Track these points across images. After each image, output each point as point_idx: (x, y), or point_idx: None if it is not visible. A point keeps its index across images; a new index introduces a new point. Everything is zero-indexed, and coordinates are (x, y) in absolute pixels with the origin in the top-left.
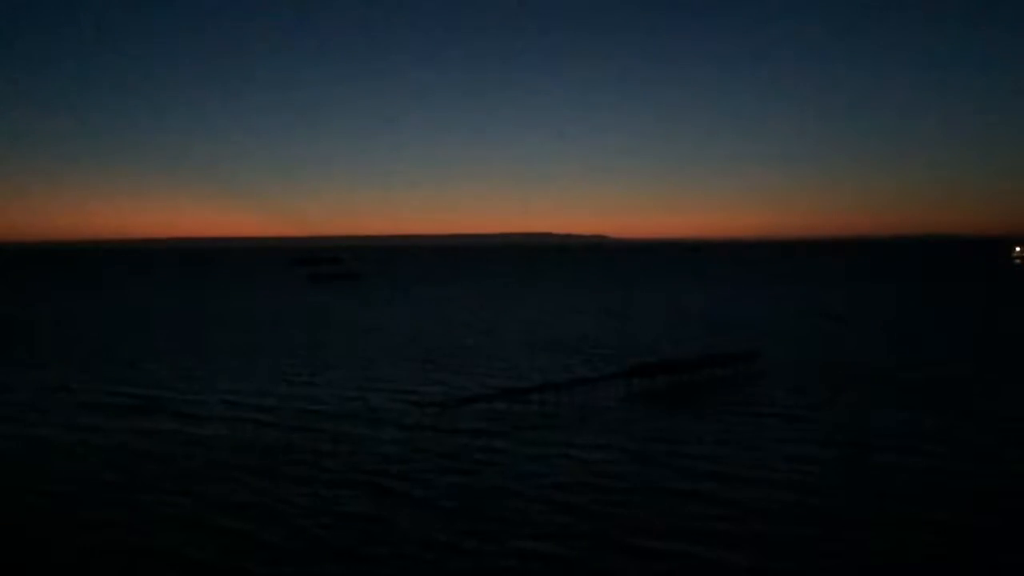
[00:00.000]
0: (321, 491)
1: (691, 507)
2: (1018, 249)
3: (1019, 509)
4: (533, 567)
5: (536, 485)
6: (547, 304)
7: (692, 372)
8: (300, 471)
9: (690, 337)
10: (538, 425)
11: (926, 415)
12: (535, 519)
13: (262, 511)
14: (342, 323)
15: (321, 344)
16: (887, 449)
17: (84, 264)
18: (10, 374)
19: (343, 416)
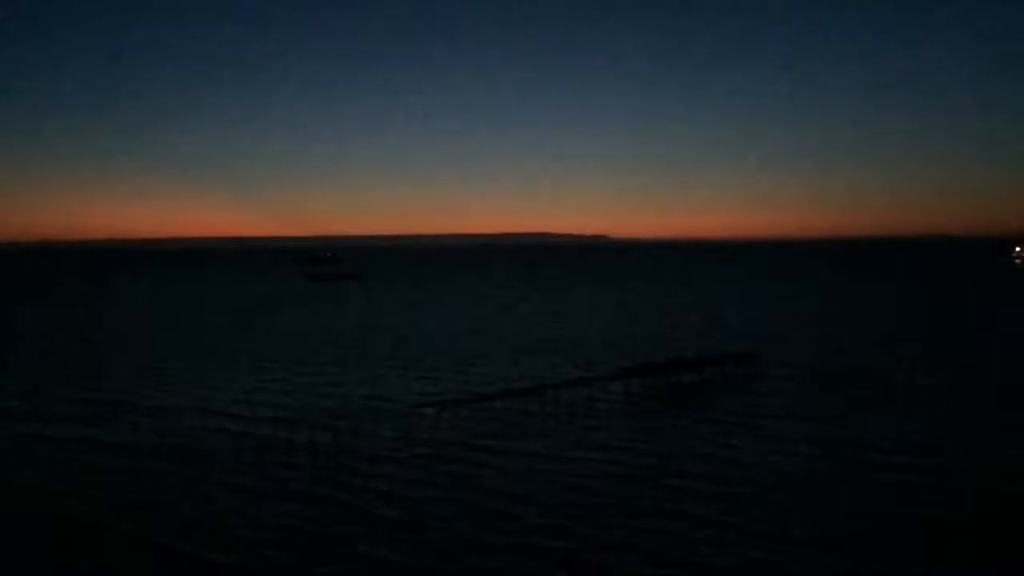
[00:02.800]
0: (274, 505)
1: (668, 532)
2: (1018, 249)
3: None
4: None
5: (508, 503)
6: (547, 304)
7: (690, 373)
8: (256, 483)
9: (689, 337)
10: (529, 432)
11: (914, 423)
12: (499, 544)
13: (202, 526)
14: (338, 323)
15: (314, 345)
16: (870, 463)
17: (83, 264)
18: None
19: (323, 421)
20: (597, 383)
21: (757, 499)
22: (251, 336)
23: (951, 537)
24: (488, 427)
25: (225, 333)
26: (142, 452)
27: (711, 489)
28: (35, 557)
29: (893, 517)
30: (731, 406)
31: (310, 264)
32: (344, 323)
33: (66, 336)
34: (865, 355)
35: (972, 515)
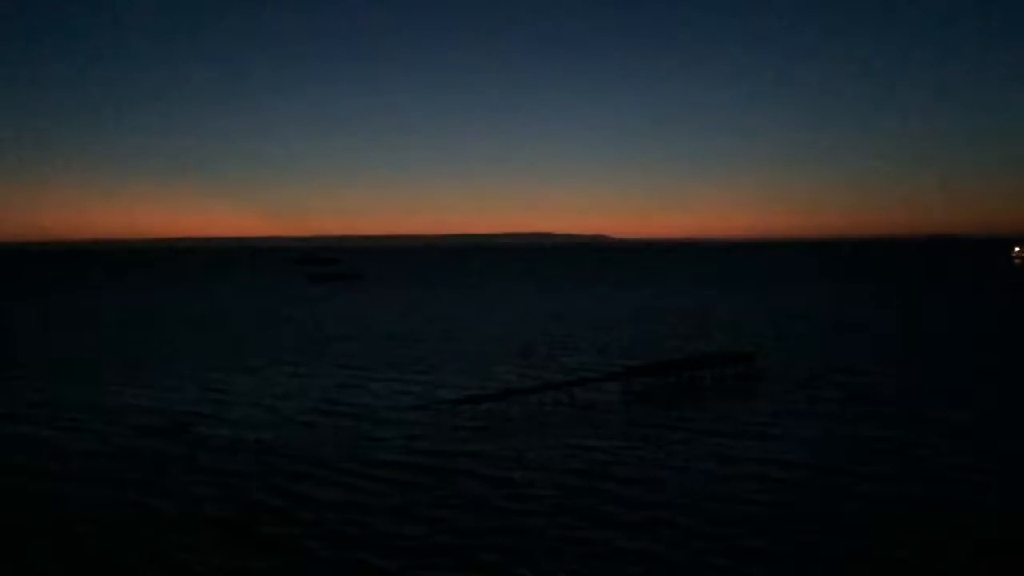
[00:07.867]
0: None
1: (643, 562)
2: (1017, 249)
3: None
4: None
5: (487, 516)
6: (547, 305)
7: (690, 372)
8: (172, 505)
9: (688, 338)
10: (526, 433)
11: (908, 430)
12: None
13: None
14: (337, 324)
15: (313, 346)
16: (867, 466)
17: (82, 264)
18: None
19: (316, 423)
20: (595, 383)
21: (746, 509)
22: (248, 337)
23: (946, 545)
24: (485, 429)
25: (222, 334)
26: (109, 458)
27: (697, 498)
28: None
29: (889, 523)
30: (728, 408)
31: (310, 264)
32: (343, 324)
33: (38, 341)
34: (864, 357)
35: (968, 520)
